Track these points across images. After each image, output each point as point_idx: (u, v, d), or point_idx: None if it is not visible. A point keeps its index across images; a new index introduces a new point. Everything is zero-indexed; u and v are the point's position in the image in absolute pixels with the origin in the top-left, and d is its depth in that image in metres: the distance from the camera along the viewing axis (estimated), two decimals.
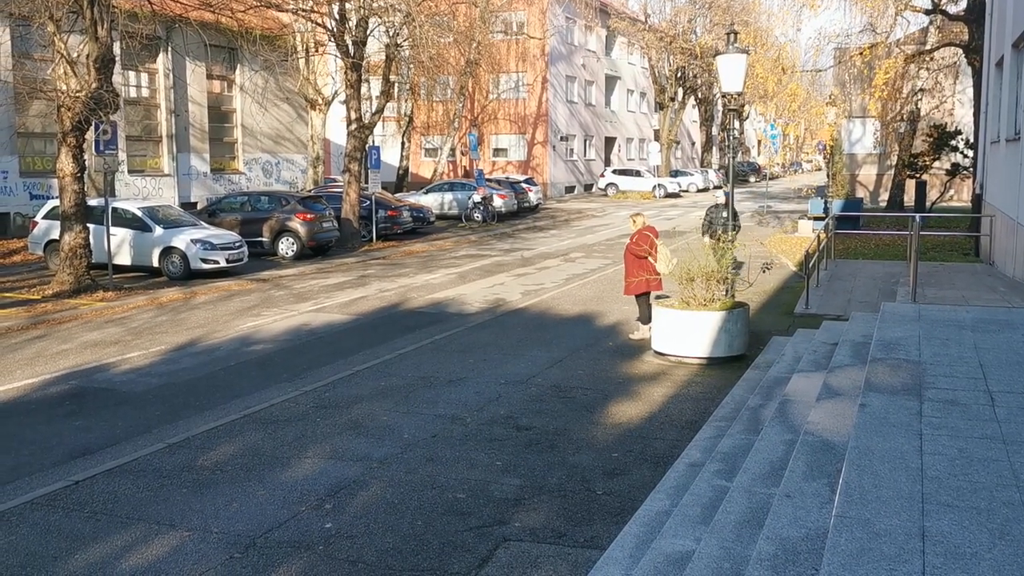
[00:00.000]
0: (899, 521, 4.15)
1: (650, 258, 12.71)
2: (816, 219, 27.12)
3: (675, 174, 52.84)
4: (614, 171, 50.83)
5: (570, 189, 50.61)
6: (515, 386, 10.44)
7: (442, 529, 6.46)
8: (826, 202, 29.45)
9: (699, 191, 52.27)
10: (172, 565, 5.92)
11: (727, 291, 11.99)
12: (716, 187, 44.23)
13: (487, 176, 37.24)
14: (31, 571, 5.84)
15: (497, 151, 48.37)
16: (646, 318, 12.77)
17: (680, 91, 53.00)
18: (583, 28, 51.45)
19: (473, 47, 35.02)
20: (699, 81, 54.47)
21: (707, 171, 56.61)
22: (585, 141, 52.95)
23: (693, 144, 68.98)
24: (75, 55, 17.38)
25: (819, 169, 79.77)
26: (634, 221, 13.22)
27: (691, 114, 63.84)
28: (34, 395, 10.40)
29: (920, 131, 33.11)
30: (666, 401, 9.79)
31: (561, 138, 49.18)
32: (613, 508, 6.82)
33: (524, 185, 37.93)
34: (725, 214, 14.97)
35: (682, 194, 49.75)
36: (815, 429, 6.28)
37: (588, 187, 52.58)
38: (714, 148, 65.84)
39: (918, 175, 31.48)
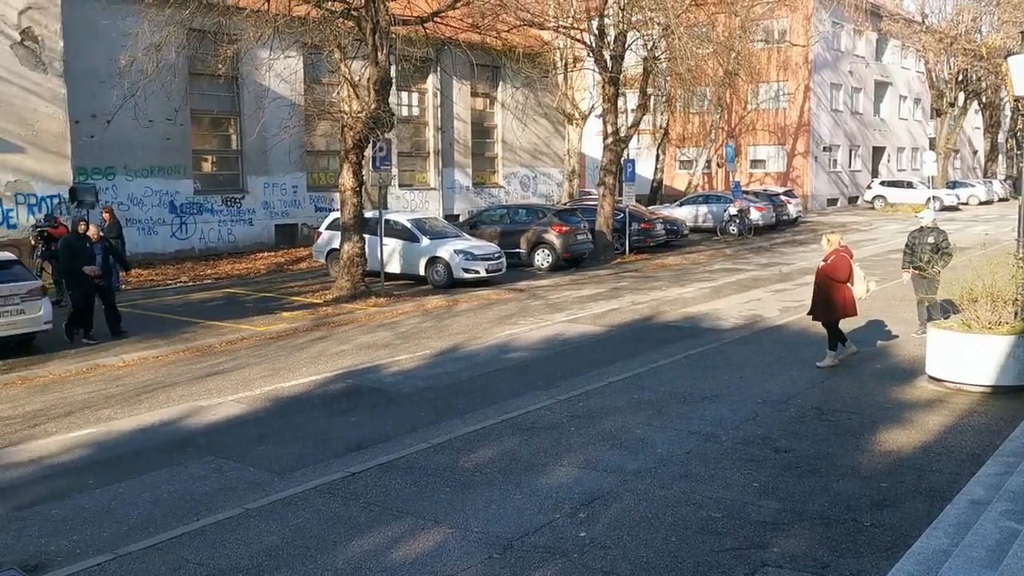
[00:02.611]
0: None
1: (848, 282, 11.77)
2: None
3: (953, 185, 48.63)
4: (882, 183, 47.68)
5: (832, 202, 48.09)
6: (773, 406, 10.04)
7: (697, 548, 6.32)
8: None
9: (981, 204, 47.83)
10: (437, 560, 6.22)
11: (1016, 314, 10.84)
12: (945, 206, 40.23)
13: (743, 188, 36.22)
14: (315, 553, 6.36)
15: (754, 163, 46.95)
16: (835, 344, 11.87)
17: (961, 96, 48.77)
18: (851, 33, 48.78)
19: (732, 57, 34.25)
20: (983, 84, 49.88)
21: (991, 182, 51.66)
22: (850, 151, 50.12)
23: (975, 153, 63.25)
24: (357, 79, 18.89)
25: None
26: (828, 240, 12.05)
27: (973, 120, 58.53)
28: (316, 391, 11.36)
29: None
30: (943, 431, 9.01)
31: (824, 148, 46.88)
32: (883, 542, 6.36)
33: (783, 197, 36.50)
34: (931, 239, 13.24)
35: (961, 207, 45.73)
36: None
37: (852, 200, 49.70)
38: (1000, 157, 59.98)
39: None
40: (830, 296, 11.79)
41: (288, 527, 6.82)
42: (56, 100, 20.42)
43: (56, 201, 19.99)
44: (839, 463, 8.07)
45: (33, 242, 17.67)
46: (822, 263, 11.96)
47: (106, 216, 19.13)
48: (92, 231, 14.44)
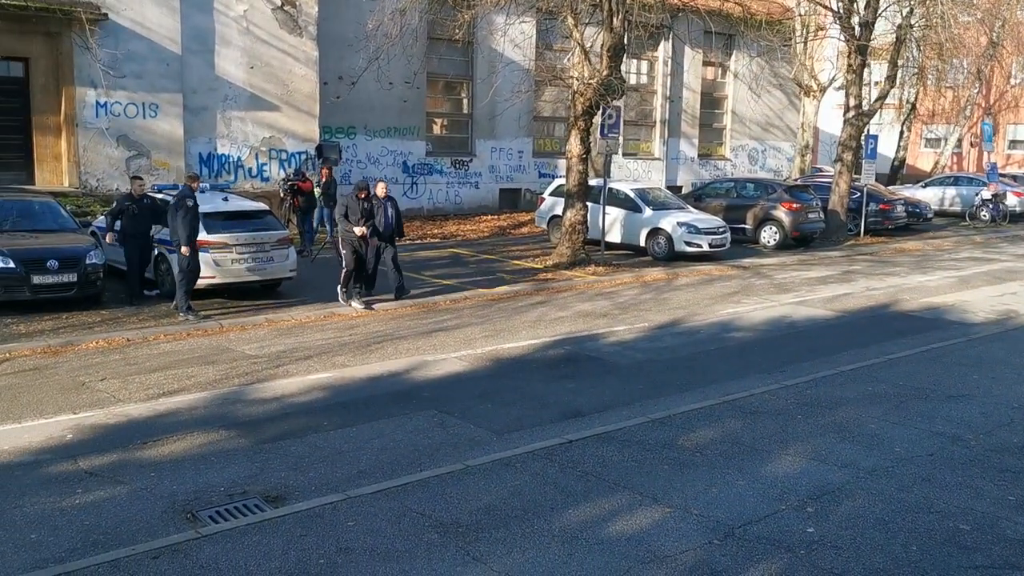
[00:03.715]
0: None
1: None
2: None
3: None
4: None
5: None
6: None
7: (941, 560, 5.78)
8: None
9: None
10: (654, 538, 6.07)
11: None
12: None
13: (1000, 170, 33.00)
14: (532, 517, 6.38)
15: (1014, 143, 42.66)
16: None
17: None
18: None
19: (997, 26, 31.11)
20: None
21: None
22: None
23: None
24: (589, 45, 18.75)
25: None
26: None
27: None
28: (535, 355, 11.46)
29: None
30: None
31: None
32: None
33: None
34: None
35: None
36: None
37: None
38: None
39: None
40: None
41: (506, 487, 6.90)
42: (309, 62, 21.76)
43: (304, 157, 21.37)
44: None
45: (282, 195, 18.98)
46: None
47: (325, 172, 19.06)
48: (380, 189, 14.39)
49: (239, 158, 21.29)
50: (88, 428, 8.26)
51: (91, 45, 18.17)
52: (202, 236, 13.10)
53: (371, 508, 6.48)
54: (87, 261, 12.91)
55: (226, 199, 14.64)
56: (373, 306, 14.02)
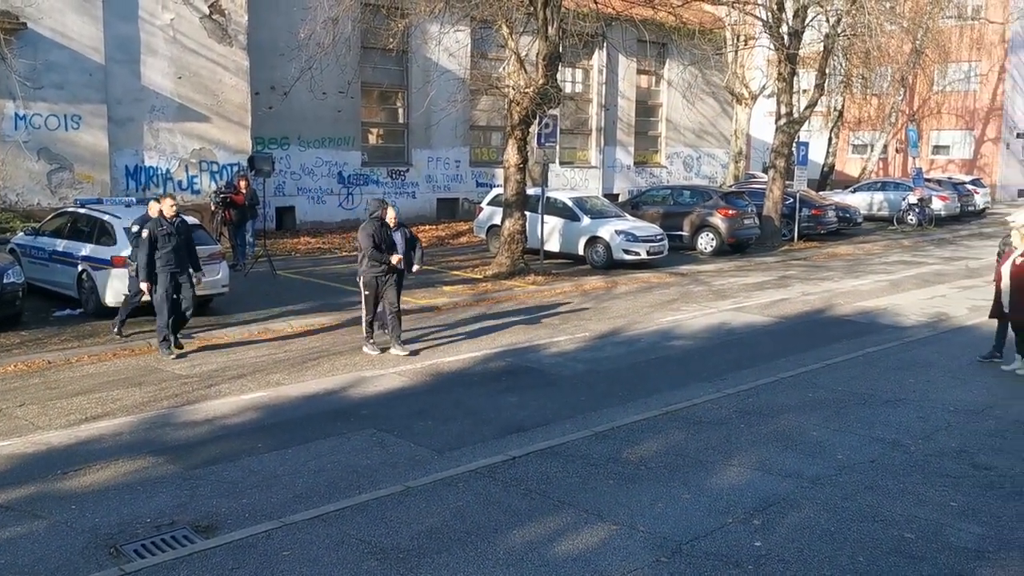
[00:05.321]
0: None
1: None
2: None
3: None
4: None
5: None
6: (967, 415, 9.17)
7: (888, 571, 5.75)
8: None
9: None
10: (602, 558, 5.92)
11: None
12: None
13: (925, 175, 33.88)
14: (475, 540, 6.18)
15: (937, 148, 43.91)
16: None
17: None
18: None
19: (920, 34, 31.96)
20: None
21: None
22: None
23: None
24: (524, 53, 18.67)
25: None
26: (1021, 235, 10.72)
27: None
28: (476, 368, 11.27)
29: None
30: None
31: (1017, 135, 43.27)
32: None
33: (969, 186, 33.99)
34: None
35: None
36: None
37: None
38: None
39: None
40: None
41: (449, 509, 6.69)
42: (239, 72, 21.27)
43: (236, 169, 20.85)
44: None
45: (214, 208, 18.46)
46: (1020, 260, 10.76)
47: (242, 184, 18.09)
48: (390, 216, 11.86)
49: (168, 170, 20.68)
50: (4, 458, 7.81)
51: (5, 54, 17.44)
52: (126, 252, 12.61)
53: (308, 535, 6.22)
54: (5, 280, 12.33)
55: None
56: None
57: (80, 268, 13.47)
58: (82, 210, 14.18)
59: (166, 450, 8.08)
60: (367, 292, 11.73)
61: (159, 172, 20.57)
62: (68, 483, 7.28)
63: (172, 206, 11.63)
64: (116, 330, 12.20)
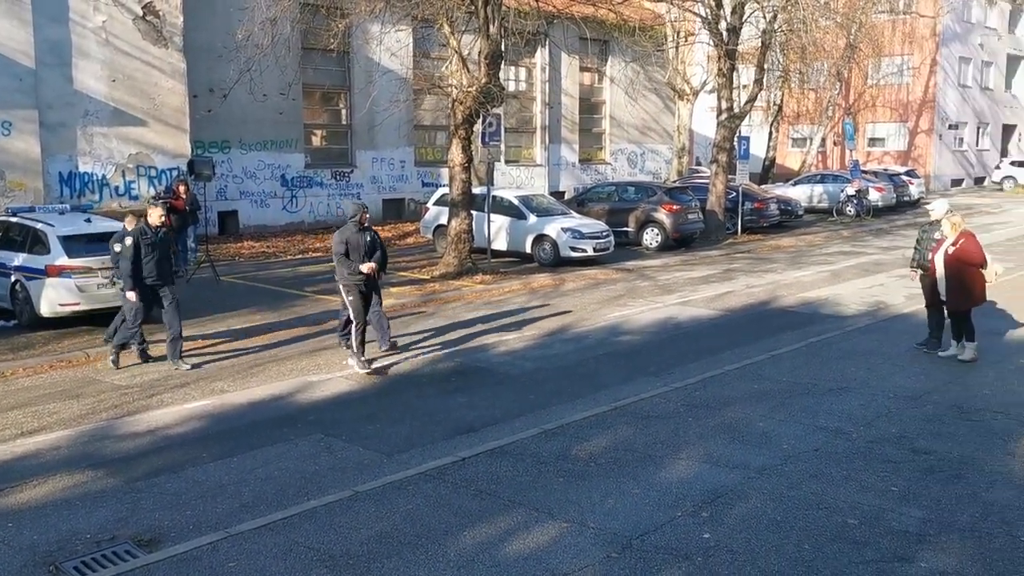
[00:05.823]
0: None
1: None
2: None
3: None
4: (1012, 163, 45.01)
5: (957, 182, 45.68)
6: (906, 401, 9.37)
7: (834, 558, 5.83)
8: None
9: None
10: (553, 556, 5.92)
11: None
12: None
13: (861, 167, 34.62)
14: (426, 543, 6.14)
15: (873, 140, 44.89)
16: (972, 335, 11.04)
17: None
18: (982, 4, 46.00)
19: (854, 29, 32.62)
20: None
21: None
22: (978, 129, 47.43)
23: None
24: (467, 53, 18.62)
25: None
26: (952, 224, 10.89)
27: None
28: (424, 369, 11.21)
29: None
30: None
31: (950, 126, 44.47)
32: None
33: (904, 177, 34.77)
34: (937, 235, 11.29)
35: None
36: None
37: (979, 180, 47.11)
38: None
39: None
40: (966, 282, 10.93)
41: (398, 513, 6.63)
42: (176, 74, 20.88)
43: (175, 174, 20.45)
44: (987, 468, 7.41)
45: None
46: (951, 248, 10.97)
47: (181, 189, 16.87)
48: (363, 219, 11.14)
49: (104, 176, 20.22)
50: None
51: None
52: (62, 260, 12.31)
53: (255, 545, 6.11)
54: None
55: (89, 220, 13.80)
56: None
57: (13, 279, 13.09)
58: (14, 219, 13.79)
59: (106, 463, 7.89)
60: (351, 298, 10.94)
61: (95, 178, 20.11)
62: (4, 500, 7.06)
63: (160, 216, 11.17)
64: (112, 358, 11.22)
